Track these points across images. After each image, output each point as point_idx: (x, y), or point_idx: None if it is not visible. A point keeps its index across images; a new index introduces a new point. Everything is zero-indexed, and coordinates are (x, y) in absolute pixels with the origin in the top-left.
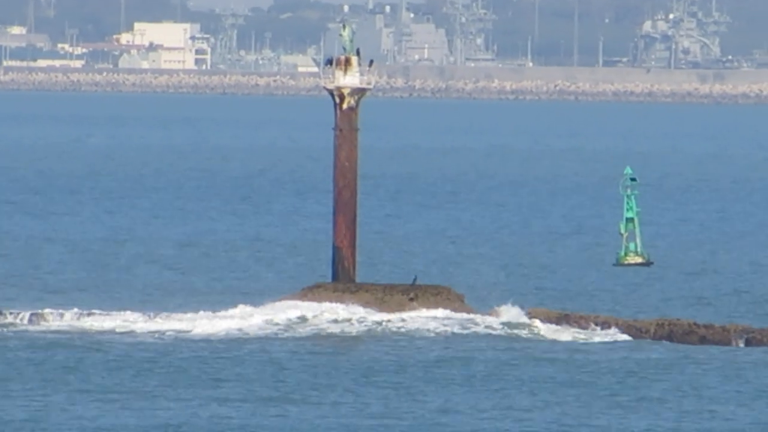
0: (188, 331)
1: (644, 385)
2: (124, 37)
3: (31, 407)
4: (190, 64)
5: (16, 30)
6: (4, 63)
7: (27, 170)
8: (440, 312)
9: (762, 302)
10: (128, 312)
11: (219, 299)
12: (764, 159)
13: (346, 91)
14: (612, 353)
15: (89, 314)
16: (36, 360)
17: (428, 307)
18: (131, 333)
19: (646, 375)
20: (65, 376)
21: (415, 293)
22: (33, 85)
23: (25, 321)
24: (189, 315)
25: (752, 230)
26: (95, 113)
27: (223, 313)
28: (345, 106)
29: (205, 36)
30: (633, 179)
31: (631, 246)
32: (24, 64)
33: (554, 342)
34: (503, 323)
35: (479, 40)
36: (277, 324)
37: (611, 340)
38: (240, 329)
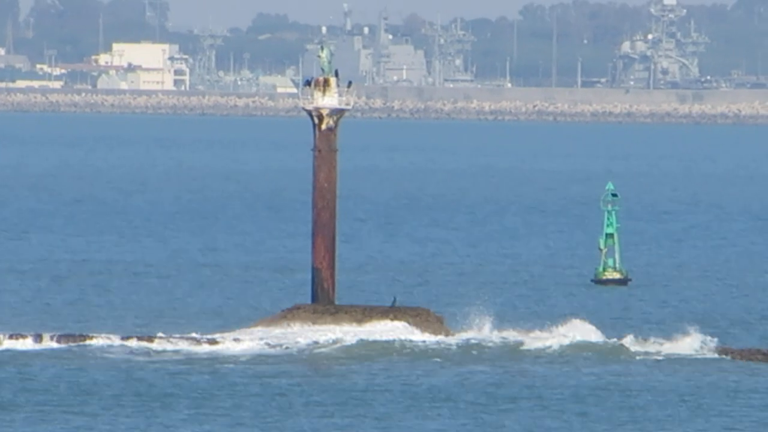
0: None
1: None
2: (103, 58)
3: None
4: (169, 85)
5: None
6: None
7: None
8: (417, 334)
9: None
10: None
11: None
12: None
13: (324, 112)
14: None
15: None
16: None
17: (419, 326)
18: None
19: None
20: None
21: (394, 314)
22: (12, 105)
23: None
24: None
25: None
26: (75, 134)
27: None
28: (324, 126)
29: (184, 57)
30: (614, 195)
31: (610, 262)
32: (3, 84)
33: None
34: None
35: (458, 61)
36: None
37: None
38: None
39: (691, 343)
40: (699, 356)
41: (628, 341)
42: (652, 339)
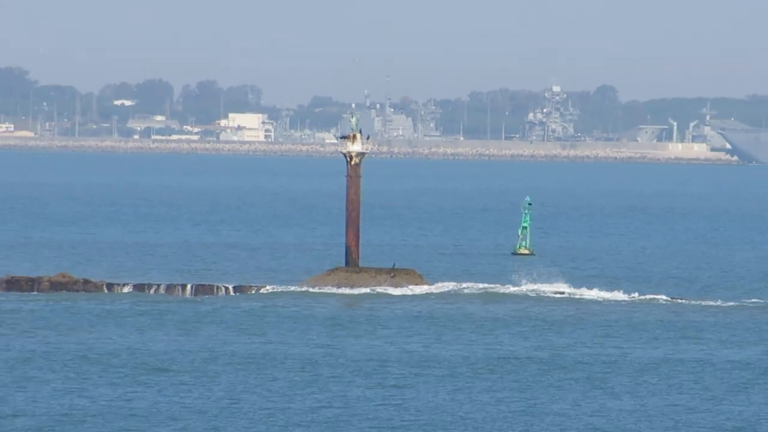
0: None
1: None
2: (223, 122)
3: None
4: (261, 138)
5: (159, 117)
6: (152, 137)
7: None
8: (413, 286)
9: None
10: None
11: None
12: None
13: (353, 154)
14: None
15: None
16: None
17: (401, 282)
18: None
19: None
20: None
21: (394, 273)
22: (169, 150)
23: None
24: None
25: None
26: (209, 168)
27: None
28: (353, 162)
29: (270, 121)
30: (530, 204)
31: (523, 243)
32: (163, 137)
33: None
34: (441, 291)
35: (432, 124)
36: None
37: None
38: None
39: (551, 287)
40: (551, 294)
41: (520, 288)
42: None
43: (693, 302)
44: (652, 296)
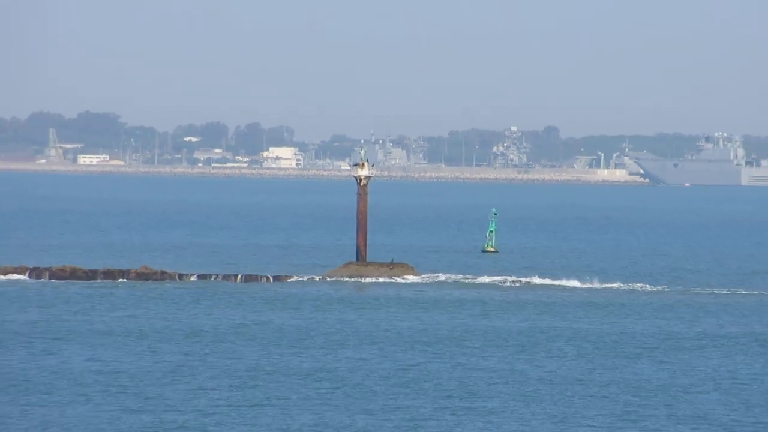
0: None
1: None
2: (265, 154)
3: None
4: (293, 166)
5: (217, 150)
6: (212, 165)
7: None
8: (406, 276)
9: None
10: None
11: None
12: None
13: (362, 177)
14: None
15: None
16: None
17: (398, 273)
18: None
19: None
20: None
21: (392, 266)
22: (224, 175)
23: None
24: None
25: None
26: (254, 189)
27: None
28: (362, 184)
29: (300, 153)
30: (495, 213)
31: (490, 243)
32: (221, 165)
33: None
34: (428, 281)
35: (421, 155)
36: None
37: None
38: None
39: (509, 277)
40: (510, 282)
41: (485, 278)
42: (504, 277)
43: (621, 286)
44: (588, 284)
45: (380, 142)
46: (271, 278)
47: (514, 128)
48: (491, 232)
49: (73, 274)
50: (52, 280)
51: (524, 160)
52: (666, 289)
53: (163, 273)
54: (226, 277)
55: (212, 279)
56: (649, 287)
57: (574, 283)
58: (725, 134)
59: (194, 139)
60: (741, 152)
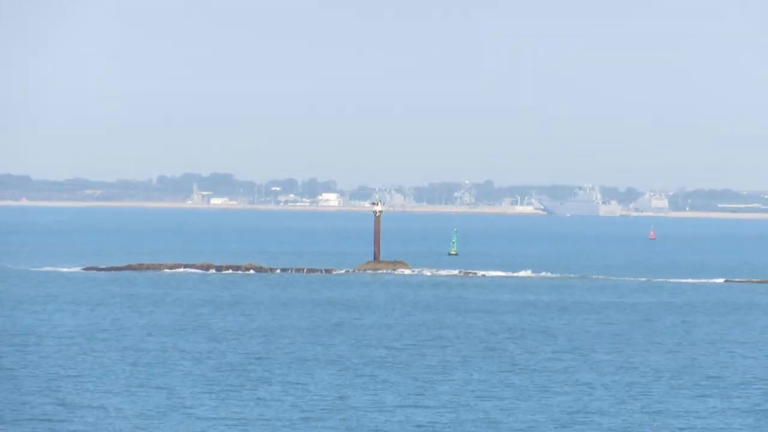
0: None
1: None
2: (320, 197)
3: None
4: (336, 204)
5: (292, 195)
6: (288, 203)
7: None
8: (403, 269)
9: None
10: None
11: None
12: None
13: (377, 211)
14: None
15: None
16: None
17: (398, 267)
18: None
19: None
20: None
21: (395, 263)
22: (296, 211)
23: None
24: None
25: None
26: (318, 218)
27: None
28: (377, 215)
29: (341, 197)
30: (456, 231)
31: (453, 248)
32: (293, 204)
33: (410, 275)
34: (417, 273)
35: (411, 198)
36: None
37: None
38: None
39: (465, 270)
40: (464, 273)
41: (451, 271)
42: (469, 270)
43: (531, 274)
44: (510, 273)
45: (387, 189)
46: (323, 270)
47: (467, 181)
48: (454, 242)
49: (218, 268)
50: (219, 272)
51: (473, 200)
52: (559, 276)
53: (260, 267)
54: (297, 270)
55: (288, 271)
56: (549, 274)
57: (500, 273)
58: (590, 185)
59: (277, 188)
60: (599, 195)
